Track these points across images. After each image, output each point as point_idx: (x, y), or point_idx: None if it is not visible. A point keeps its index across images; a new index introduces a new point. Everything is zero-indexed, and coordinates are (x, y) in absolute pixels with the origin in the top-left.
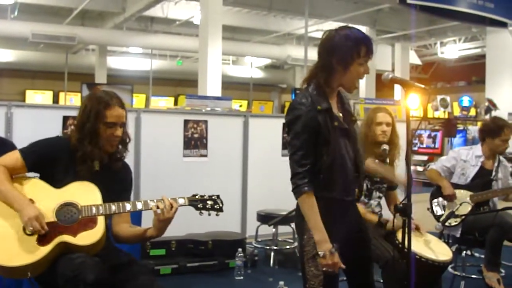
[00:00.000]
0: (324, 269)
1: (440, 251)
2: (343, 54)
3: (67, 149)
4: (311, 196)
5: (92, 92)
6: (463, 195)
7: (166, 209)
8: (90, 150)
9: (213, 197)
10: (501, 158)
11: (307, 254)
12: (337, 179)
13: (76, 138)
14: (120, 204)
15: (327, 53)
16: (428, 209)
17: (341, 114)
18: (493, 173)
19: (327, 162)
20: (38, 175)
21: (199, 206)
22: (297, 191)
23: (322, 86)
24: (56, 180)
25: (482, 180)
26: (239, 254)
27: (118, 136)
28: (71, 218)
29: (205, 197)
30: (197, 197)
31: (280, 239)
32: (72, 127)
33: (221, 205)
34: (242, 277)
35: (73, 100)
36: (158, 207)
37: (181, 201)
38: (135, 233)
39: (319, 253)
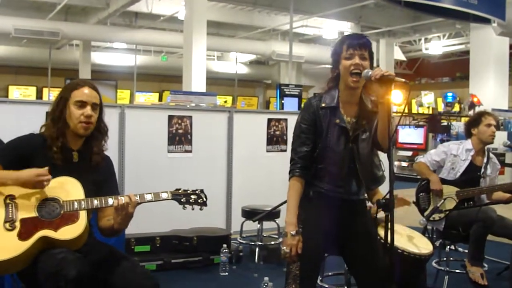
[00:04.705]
0: (284, 247)
1: (422, 246)
2: (334, 56)
3: (41, 144)
4: (295, 181)
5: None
6: (449, 190)
7: (124, 207)
8: (62, 137)
9: (197, 191)
10: (491, 155)
11: None
12: (326, 171)
13: (50, 130)
14: (103, 199)
15: (331, 59)
16: (413, 202)
17: (353, 119)
18: (482, 170)
19: (319, 153)
20: None
21: (182, 200)
22: (289, 176)
23: (335, 88)
24: None
25: (469, 176)
26: (224, 250)
27: (89, 116)
28: (52, 213)
29: (188, 191)
30: (180, 191)
31: (265, 235)
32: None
33: (204, 199)
34: (227, 273)
35: None
36: (118, 203)
37: (164, 195)
38: (109, 225)
39: (284, 233)
